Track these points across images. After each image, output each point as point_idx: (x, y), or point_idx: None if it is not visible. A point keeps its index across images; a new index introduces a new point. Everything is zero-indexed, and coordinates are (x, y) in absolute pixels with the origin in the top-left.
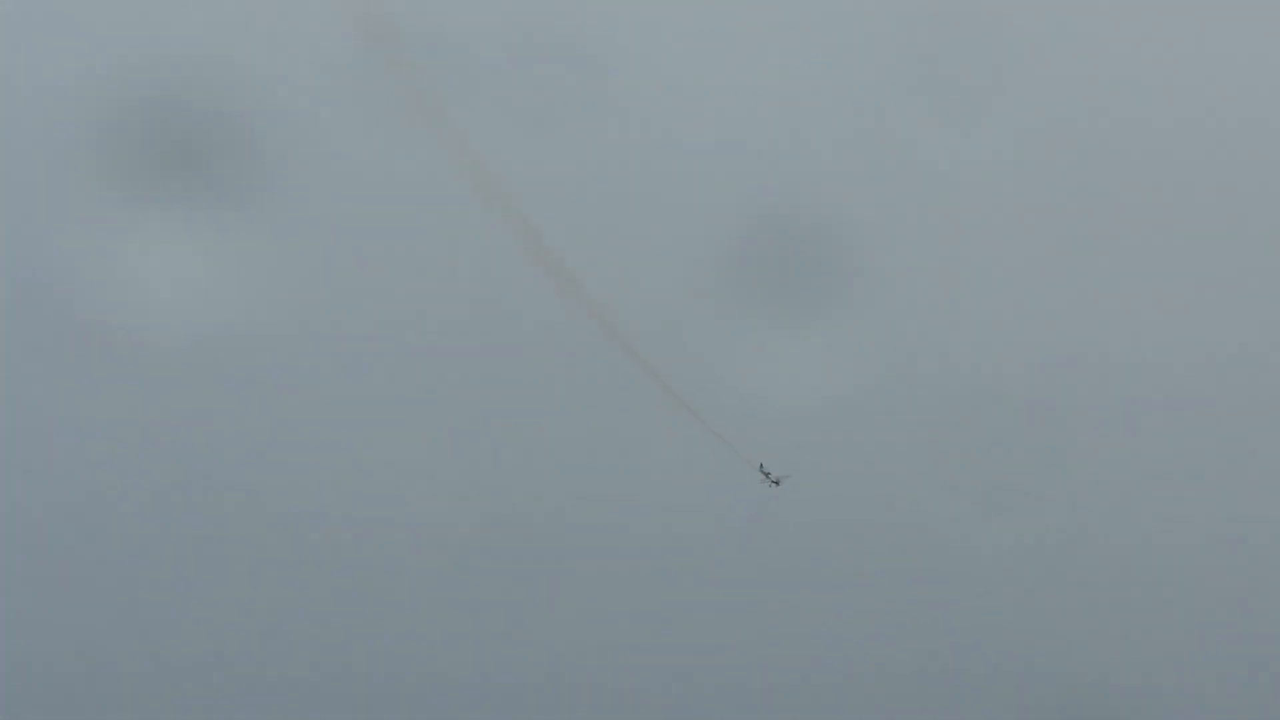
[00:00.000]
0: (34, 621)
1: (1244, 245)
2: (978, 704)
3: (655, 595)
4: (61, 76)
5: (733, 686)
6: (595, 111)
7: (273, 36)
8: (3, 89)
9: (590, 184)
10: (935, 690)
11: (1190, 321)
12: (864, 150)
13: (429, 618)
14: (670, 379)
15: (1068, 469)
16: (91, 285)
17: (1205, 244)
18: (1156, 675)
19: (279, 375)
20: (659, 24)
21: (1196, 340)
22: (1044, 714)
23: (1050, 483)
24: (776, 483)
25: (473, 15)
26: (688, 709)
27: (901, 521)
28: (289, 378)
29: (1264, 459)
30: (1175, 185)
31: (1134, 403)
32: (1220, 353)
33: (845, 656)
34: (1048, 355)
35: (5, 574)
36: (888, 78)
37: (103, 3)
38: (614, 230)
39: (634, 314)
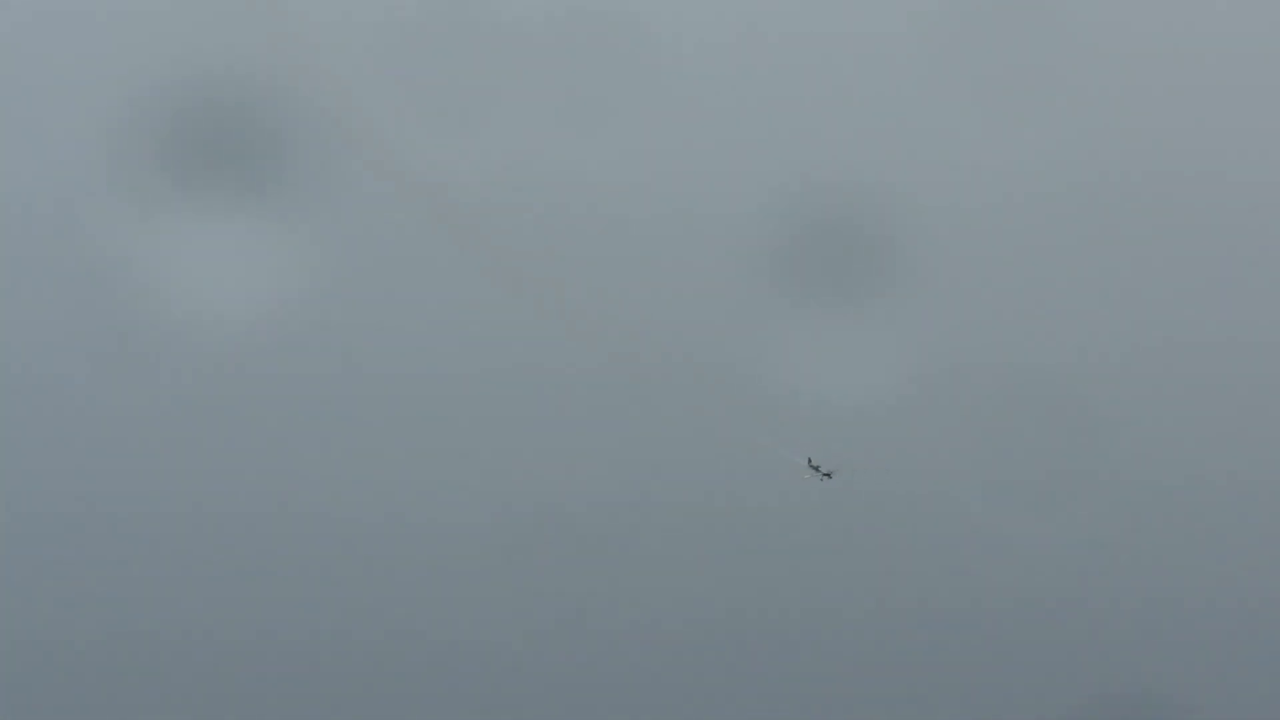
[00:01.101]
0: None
1: None
2: (1012, 697)
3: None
4: (97, 77)
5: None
6: (635, 103)
7: (310, 28)
8: (41, 86)
9: (630, 176)
10: (969, 683)
11: (1234, 316)
12: (908, 145)
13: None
14: (713, 374)
15: (1111, 466)
16: (128, 279)
17: (1248, 236)
18: (1188, 671)
19: (310, 367)
20: (700, 13)
21: (1239, 334)
22: (1080, 713)
23: (1093, 480)
24: (828, 475)
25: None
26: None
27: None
28: (320, 369)
29: None
30: (1213, 178)
31: (1173, 394)
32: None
33: (882, 646)
34: (1092, 347)
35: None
36: (937, 72)
37: (138, 8)
38: (655, 222)
39: (674, 309)
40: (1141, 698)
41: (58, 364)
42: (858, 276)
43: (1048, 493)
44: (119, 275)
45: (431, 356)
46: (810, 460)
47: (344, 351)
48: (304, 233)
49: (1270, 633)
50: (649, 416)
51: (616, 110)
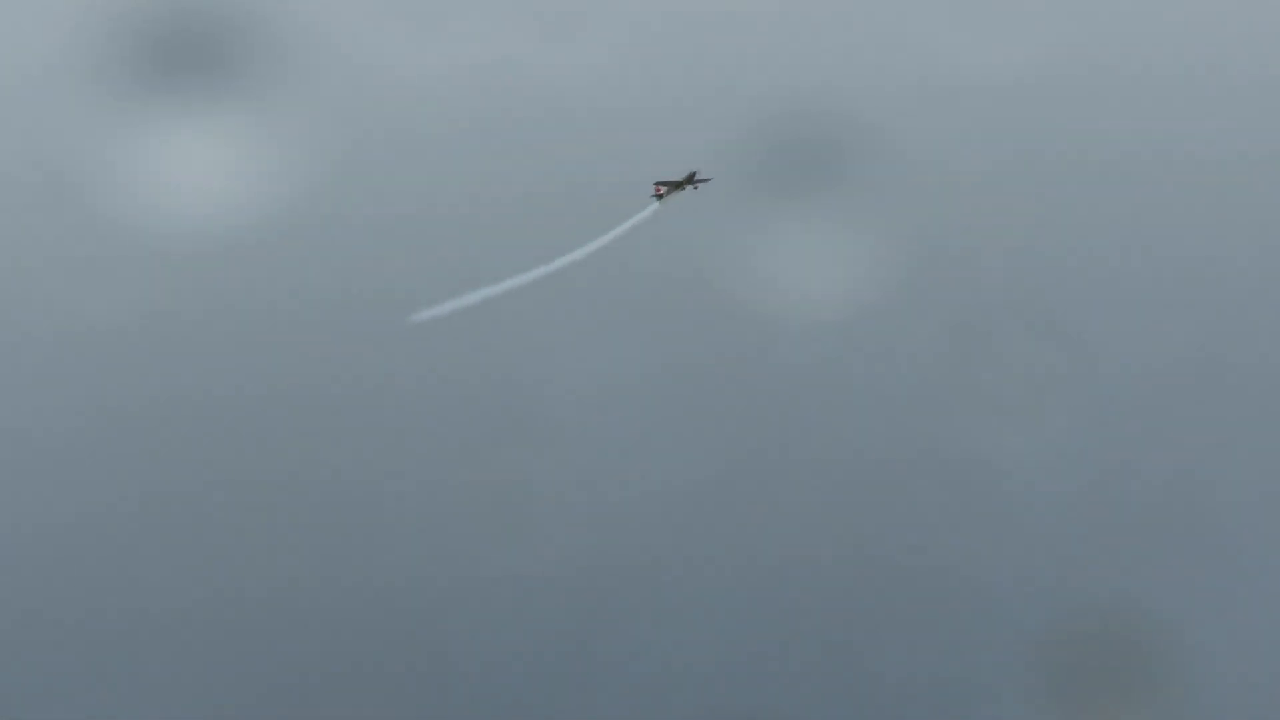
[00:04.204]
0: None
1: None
2: (989, 614)
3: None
4: None
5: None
6: (612, 11)
7: None
8: None
9: (608, 83)
10: (945, 600)
11: (1212, 228)
12: (882, 53)
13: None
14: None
15: (1085, 378)
16: (105, 181)
17: (1222, 156)
18: (1174, 590)
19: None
20: None
21: (1218, 242)
22: (1056, 627)
23: (1068, 392)
24: (695, 186)
25: None
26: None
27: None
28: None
29: None
30: (1187, 95)
31: (1147, 300)
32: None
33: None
34: (1063, 254)
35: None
36: None
37: None
38: (630, 134)
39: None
40: (1118, 615)
41: (25, 274)
42: (830, 177)
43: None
44: (84, 176)
45: (404, 268)
46: (694, 174)
47: (317, 257)
48: (273, 134)
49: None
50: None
51: (591, 13)
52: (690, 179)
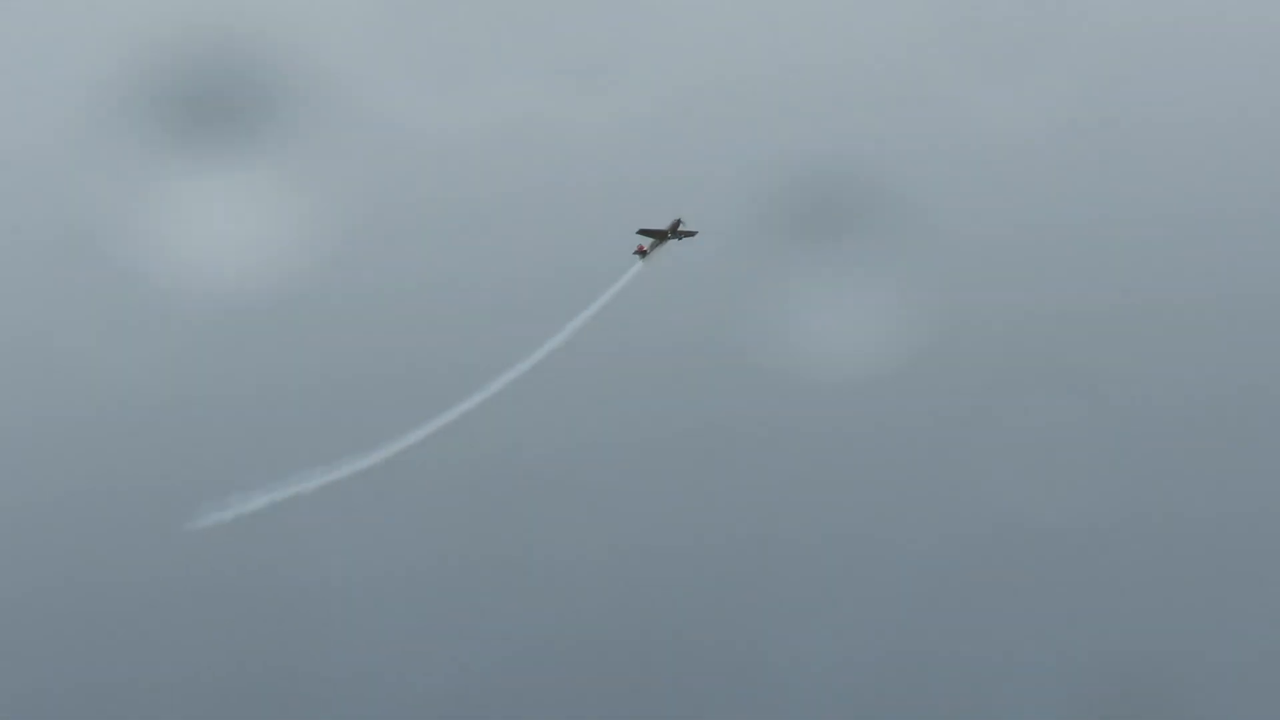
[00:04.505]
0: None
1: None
2: None
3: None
4: (103, 32)
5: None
6: (637, 62)
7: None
8: (47, 44)
9: (630, 136)
10: None
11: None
12: (903, 114)
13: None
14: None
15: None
16: (130, 238)
17: (1244, 211)
18: (1199, 643)
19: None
20: None
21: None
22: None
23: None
24: (689, 234)
25: None
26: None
27: None
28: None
29: None
30: (1204, 153)
31: None
32: None
33: None
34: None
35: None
36: (927, 35)
37: None
38: (654, 182)
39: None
40: None
41: (52, 331)
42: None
43: None
44: (107, 235)
45: (423, 332)
46: (679, 224)
47: (336, 313)
48: (297, 191)
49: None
50: (641, 372)
51: (615, 64)
52: (675, 228)
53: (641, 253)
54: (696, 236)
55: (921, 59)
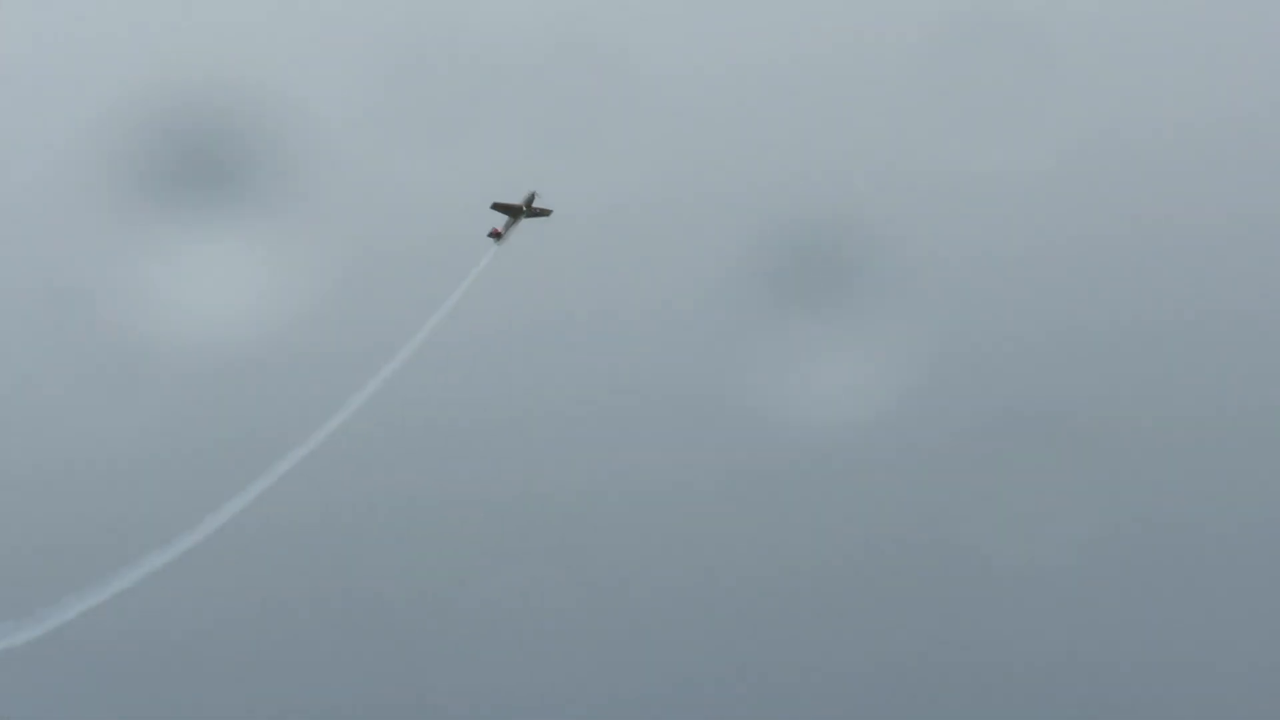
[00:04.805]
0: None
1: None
2: None
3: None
4: (89, 93)
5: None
6: (617, 117)
7: (296, 52)
8: (35, 104)
9: (613, 190)
10: None
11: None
12: (888, 155)
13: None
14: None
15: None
16: (119, 295)
17: (1236, 241)
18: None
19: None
20: (681, 30)
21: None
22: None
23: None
24: (542, 212)
25: (492, 22)
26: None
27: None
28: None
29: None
30: (1192, 187)
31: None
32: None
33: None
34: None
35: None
36: (907, 82)
37: (129, 20)
38: (637, 235)
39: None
40: None
41: (42, 385)
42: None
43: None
44: (99, 292)
45: (415, 377)
46: (533, 198)
47: (327, 368)
48: (284, 252)
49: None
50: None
51: (596, 122)
52: (529, 203)
53: (496, 235)
54: (550, 216)
55: (905, 97)
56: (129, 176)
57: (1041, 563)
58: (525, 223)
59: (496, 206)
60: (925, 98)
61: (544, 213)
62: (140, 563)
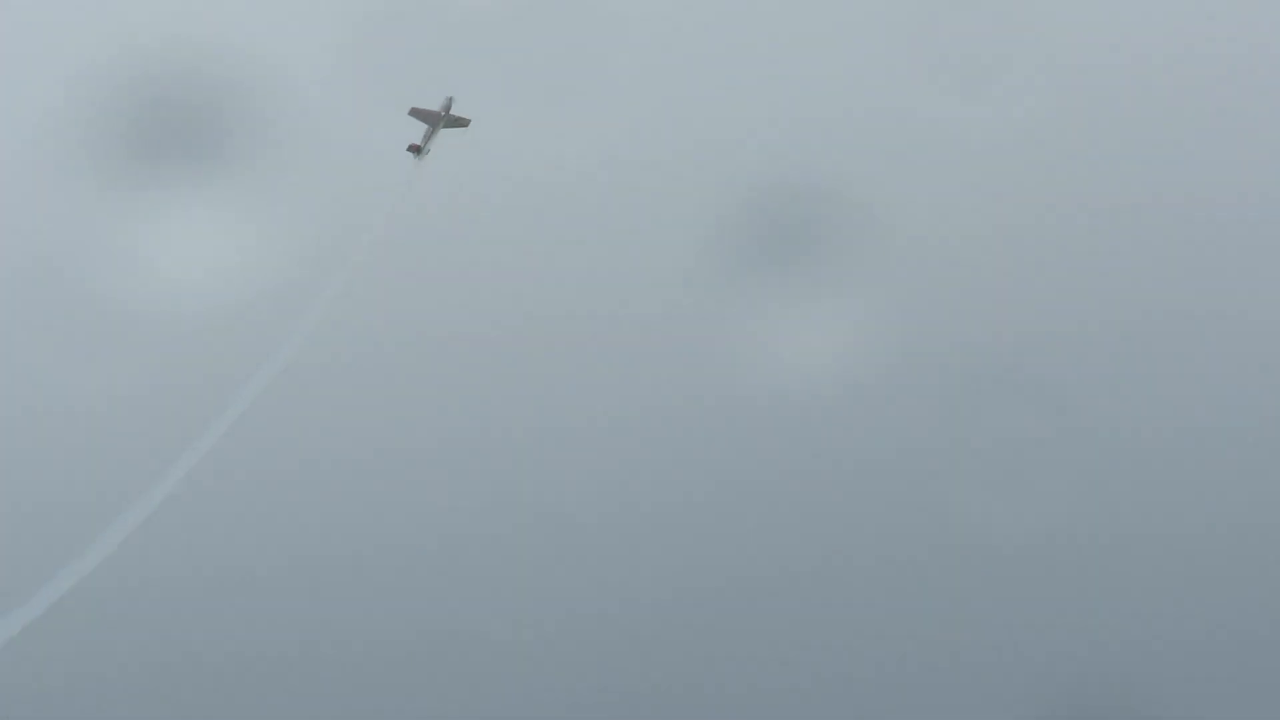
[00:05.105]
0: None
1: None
2: None
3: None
4: (67, 61)
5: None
6: (599, 85)
7: (271, 21)
8: (10, 75)
9: (595, 161)
10: None
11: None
12: (860, 122)
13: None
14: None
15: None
16: (97, 264)
17: (1218, 206)
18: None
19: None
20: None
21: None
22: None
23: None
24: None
25: None
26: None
27: None
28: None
29: None
30: (1171, 157)
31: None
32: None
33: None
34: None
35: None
36: (893, 53)
37: None
38: (617, 210)
39: (635, 294)
40: None
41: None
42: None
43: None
44: (75, 262)
45: (391, 351)
46: (450, 103)
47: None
48: (258, 221)
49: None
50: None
51: (579, 91)
52: (447, 110)
53: (416, 150)
54: (469, 125)
55: (888, 72)
56: (91, 141)
57: (1022, 542)
58: (445, 133)
59: (414, 113)
60: (906, 58)
61: (462, 122)
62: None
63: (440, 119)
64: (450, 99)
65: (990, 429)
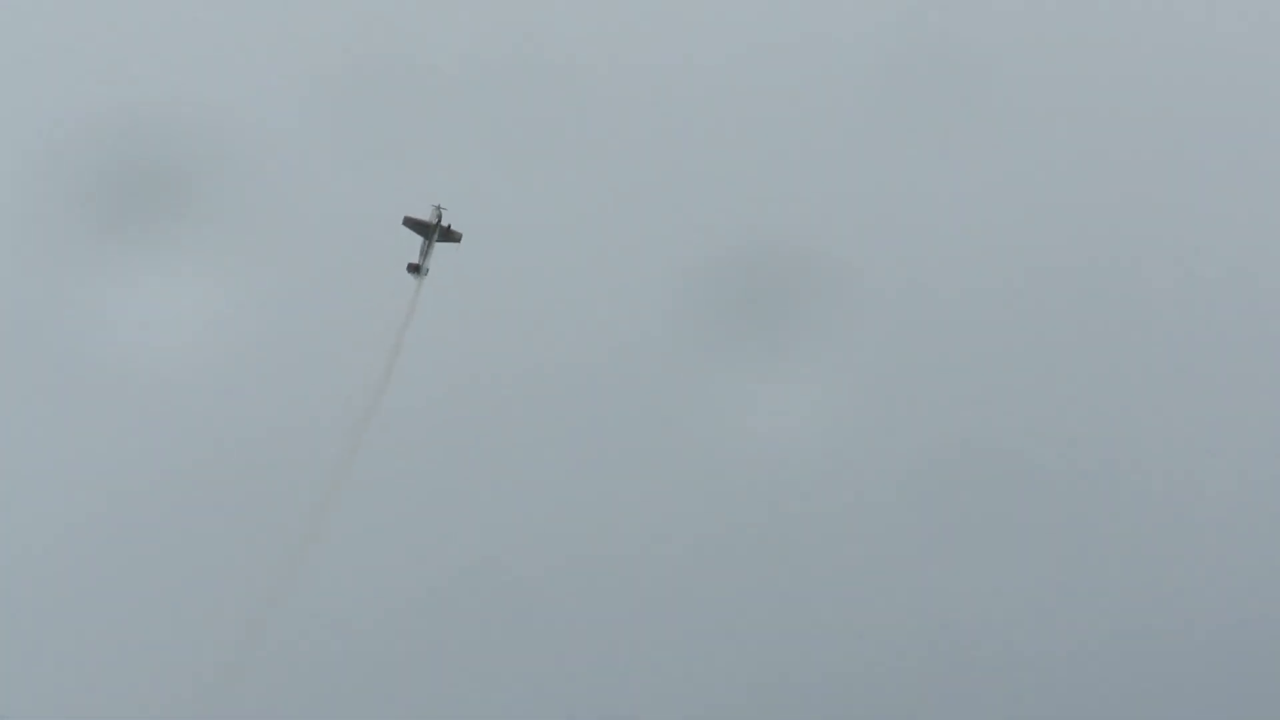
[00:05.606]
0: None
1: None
2: None
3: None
4: (38, 122)
5: None
6: (577, 138)
7: (244, 77)
8: None
9: (569, 214)
10: None
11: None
12: (846, 193)
13: None
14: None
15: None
16: (70, 321)
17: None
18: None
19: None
20: (641, 50)
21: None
22: None
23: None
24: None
25: (448, 41)
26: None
27: None
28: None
29: None
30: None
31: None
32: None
33: None
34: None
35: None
36: (873, 109)
37: (79, 52)
38: (592, 262)
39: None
40: None
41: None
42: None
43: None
44: (42, 322)
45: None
46: (440, 212)
47: (270, 400)
48: (235, 279)
49: None
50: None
51: (555, 143)
52: (438, 219)
53: (415, 269)
54: (460, 241)
55: (863, 129)
56: (64, 195)
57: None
58: (440, 248)
59: (407, 222)
60: (877, 127)
61: (455, 237)
62: None
63: (434, 230)
64: (440, 208)
65: (964, 503)
